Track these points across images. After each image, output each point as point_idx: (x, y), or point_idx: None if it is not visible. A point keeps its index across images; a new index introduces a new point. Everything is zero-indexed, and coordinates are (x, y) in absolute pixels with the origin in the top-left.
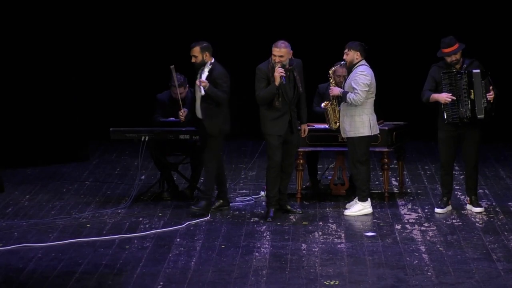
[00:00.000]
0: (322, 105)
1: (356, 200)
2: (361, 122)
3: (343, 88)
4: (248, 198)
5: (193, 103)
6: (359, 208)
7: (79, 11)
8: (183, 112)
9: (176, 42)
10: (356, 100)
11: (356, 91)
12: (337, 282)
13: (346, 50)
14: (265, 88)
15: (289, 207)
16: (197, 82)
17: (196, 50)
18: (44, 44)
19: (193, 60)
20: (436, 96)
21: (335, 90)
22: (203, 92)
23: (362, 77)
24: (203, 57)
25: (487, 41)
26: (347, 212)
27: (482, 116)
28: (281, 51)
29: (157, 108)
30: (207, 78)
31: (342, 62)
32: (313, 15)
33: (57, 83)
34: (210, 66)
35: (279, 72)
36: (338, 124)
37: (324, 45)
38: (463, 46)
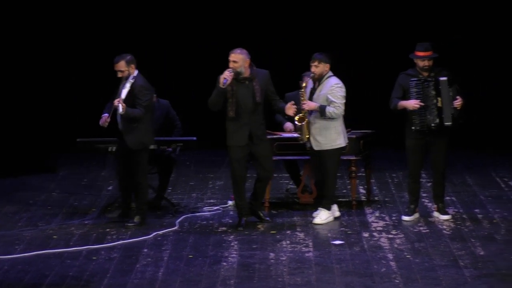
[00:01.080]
0: (296, 121)
1: (320, 208)
2: (337, 134)
3: (311, 101)
4: (216, 207)
5: (113, 115)
6: (326, 216)
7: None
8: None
9: (140, 53)
10: (338, 114)
11: (336, 105)
12: None
13: (315, 63)
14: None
15: (260, 214)
16: (115, 102)
17: (122, 65)
18: (7, 57)
19: (119, 75)
20: (404, 103)
21: (312, 104)
22: (120, 111)
23: (339, 90)
24: (129, 71)
25: (454, 51)
26: (316, 221)
27: (450, 123)
28: (235, 56)
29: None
30: (129, 92)
31: (310, 74)
32: (277, 24)
33: (23, 95)
34: (132, 80)
35: (224, 74)
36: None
37: (289, 55)
38: (436, 55)
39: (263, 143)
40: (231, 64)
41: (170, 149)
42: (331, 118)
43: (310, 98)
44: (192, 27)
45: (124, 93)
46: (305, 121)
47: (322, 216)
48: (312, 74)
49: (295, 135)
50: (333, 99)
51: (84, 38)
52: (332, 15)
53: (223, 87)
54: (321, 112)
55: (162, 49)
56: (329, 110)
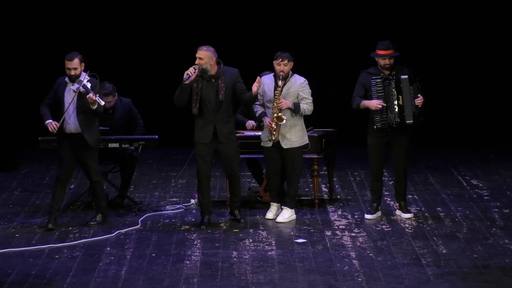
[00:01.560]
0: (267, 121)
1: (283, 207)
2: (303, 131)
3: (284, 98)
4: (179, 206)
5: (56, 115)
6: (289, 214)
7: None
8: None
9: (109, 51)
10: (310, 110)
11: (308, 101)
12: None
13: (285, 62)
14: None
15: (236, 213)
16: (94, 97)
17: (76, 62)
18: None
19: (72, 72)
20: (367, 103)
21: (288, 103)
22: (102, 103)
23: (308, 87)
24: (81, 68)
25: (415, 48)
26: (279, 219)
27: (411, 121)
28: (201, 53)
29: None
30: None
31: (280, 73)
32: (235, 22)
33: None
34: (88, 77)
35: (188, 70)
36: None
37: (248, 53)
38: (398, 54)
39: (229, 142)
40: (197, 61)
41: (132, 147)
42: (300, 116)
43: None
44: (194, 23)
45: (87, 89)
46: (283, 120)
47: (285, 215)
48: (281, 73)
49: (258, 133)
50: (305, 96)
51: (49, 37)
52: (298, 14)
53: (186, 83)
54: (296, 109)
55: (101, 55)
56: (304, 107)
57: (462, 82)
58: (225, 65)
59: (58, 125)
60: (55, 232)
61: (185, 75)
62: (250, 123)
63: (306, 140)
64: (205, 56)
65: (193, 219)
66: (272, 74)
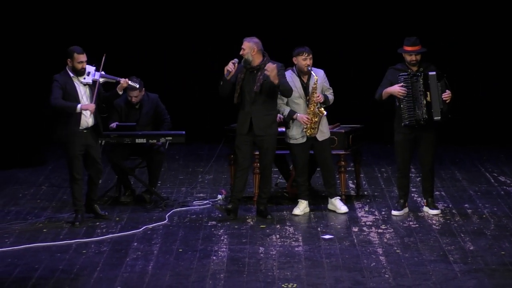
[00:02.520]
0: (304, 117)
1: (336, 198)
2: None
3: (308, 93)
4: (205, 201)
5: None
6: (341, 203)
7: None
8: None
9: (133, 48)
10: (332, 100)
11: (331, 92)
12: (295, 285)
13: (310, 55)
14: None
15: (261, 208)
16: (127, 80)
17: (85, 56)
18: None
19: (84, 65)
20: (389, 90)
21: (321, 96)
22: (137, 85)
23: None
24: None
25: (442, 45)
26: (343, 210)
27: (439, 118)
28: (244, 44)
29: (112, 113)
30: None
31: (308, 68)
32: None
33: (12, 88)
34: (100, 72)
35: (228, 66)
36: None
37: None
38: (425, 50)
39: (266, 136)
40: (242, 51)
41: (159, 143)
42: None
43: (307, 92)
44: (186, 24)
45: (111, 76)
46: (324, 113)
47: (341, 204)
48: (308, 67)
49: (284, 129)
50: (328, 86)
51: (76, 35)
52: (325, 12)
53: (228, 78)
54: (326, 101)
55: (157, 46)
56: (331, 97)
57: (450, 77)
58: (270, 59)
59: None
60: (83, 227)
61: (225, 71)
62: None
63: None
64: (247, 47)
65: (219, 215)
66: (290, 70)
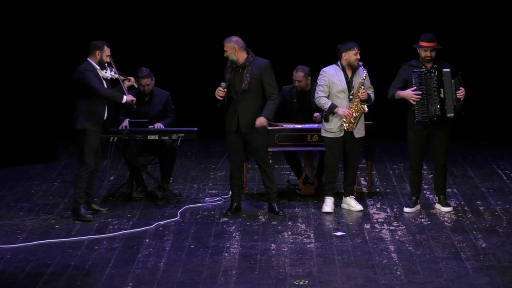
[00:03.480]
0: (346, 111)
1: (351, 196)
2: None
3: (352, 90)
4: (217, 198)
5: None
6: (356, 202)
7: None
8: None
9: (139, 42)
10: (373, 99)
11: (372, 90)
12: (307, 282)
13: (359, 51)
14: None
15: (273, 205)
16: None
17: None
18: (10, 45)
19: (109, 59)
20: (402, 94)
21: (365, 93)
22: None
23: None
24: None
25: (457, 42)
26: (358, 208)
27: (452, 115)
28: (225, 46)
29: (120, 107)
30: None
31: (360, 63)
32: (274, 19)
33: (24, 84)
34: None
35: (216, 94)
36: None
37: (285, 48)
38: (440, 47)
39: (254, 133)
40: (224, 53)
41: (169, 140)
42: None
43: (350, 87)
44: (194, 22)
45: (123, 75)
46: (365, 110)
47: (355, 203)
48: (361, 63)
49: (297, 126)
50: (370, 85)
51: (89, 30)
52: (337, 10)
53: (219, 106)
54: (369, 99)
55: (165, 44)
56: (372, 96)
57: (464, 74)
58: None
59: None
60: (95, 223)
61: (217, 98)
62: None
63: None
64: (228, 47)
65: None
66: (335, 65)
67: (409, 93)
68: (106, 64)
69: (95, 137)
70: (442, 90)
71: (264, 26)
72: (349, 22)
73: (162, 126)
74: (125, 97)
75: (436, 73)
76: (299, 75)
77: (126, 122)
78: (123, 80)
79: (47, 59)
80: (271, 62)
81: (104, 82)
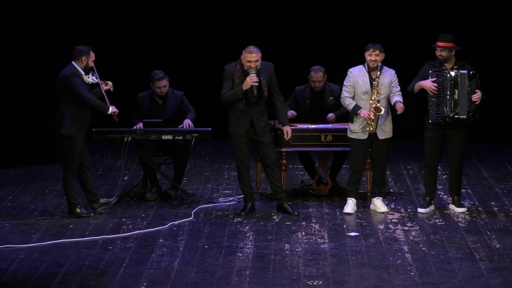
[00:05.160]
0: (365, 113)
1: (378, 198)
2: (392, 122)
3: (379, 90)
4: (231, 198)
5: (81, 107)
6: (381, 203)
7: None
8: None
9: (154, 43)
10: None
11: (400, 93)
12: (320, 282)
13: (376, 52)
14: (231, 89)
15: (285, 205)
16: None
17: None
18: (25, 46)
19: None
20: (422, 83)
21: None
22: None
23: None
24: None
25: (477, 44)
26: (383, 210)
27: (464, 117)
28: (257, 55)
29: (133, 109)
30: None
31: (379, 64)
32: (288, 18)
33: (39, 85)
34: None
35: (252, 79)
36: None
37: (298, 48)
38: (456, 48)
39: (266, 134)
40: (253, 64)
41: (182, 140)
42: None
43: (380, 88)
44: (207, 22)
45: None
46: (382, 111)
47: (381, 204)
48: (373, 63)
49: (311, 126)
50: (398, 87)
51: (101, 29)
52: (347, 9)
53: (251, 91)
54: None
55: (178, 44)
56: (401, 99)
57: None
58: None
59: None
60: (109, 223)
61: (250, 83)
62: (290, 113)
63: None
64: (259, 57)
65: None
66: (362, 66)
67: (428, 83)
68: (91, 68)
69: (80, 142)
70: (456, 91)
71: (276, 27)
72: (369, 22)
73: (191, 123)
74: (110, 108)
75: (453, 74)
76: (319, 75)
77: (140, 125)
78: (101, 84)
79: (60, 61)
80: (283, 64)
81: (87, 86)
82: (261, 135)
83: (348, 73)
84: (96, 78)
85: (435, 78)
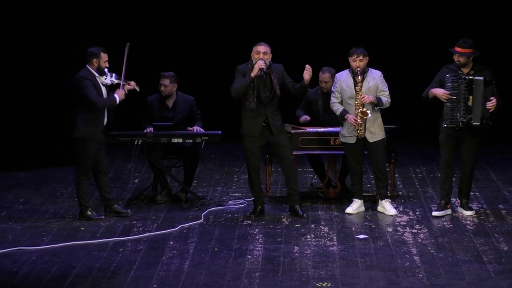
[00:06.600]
0: (352, 118)
1: (386, 200)
2: (382, 124)
3: (366, 93)
4: (241, 201)
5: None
6: (390, 206)
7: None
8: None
9: (166, 46)
10: (389, 102)
11: (387, 94)
12: (329, 284)
13: (360, 57)
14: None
15: (296, 207)
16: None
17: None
18: (35, 49)
19: (107, 64)
20: (435, 91)
21: (370, 97)
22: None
23: (384, 80)
24: None
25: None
26: (392, 212)
27: (478, 123)
28: (265, 48)
29: (143, 112)
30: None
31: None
32: (299, 21)
33: (49, 86)
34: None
35: (259, 64)
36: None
37: (308, 51)
38: (475, 54)
39: (282, 134)
40: (261, 55)
41: (192, 143)
42: (381, 108)
43: (362, 91)
44: (217, 25)
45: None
46: (368, 115)
47: (390, 207)
48: (357, 69)
49: (320, 129)
50: (385, 89)
51: (112, 33)
52: (354, 11)
53: (256, 74)
54: (379, 103)
55: (187, 47)
56: (384, 100)
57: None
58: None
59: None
60: (119, 226)
61: (258, 68)
62: (303, 117)
63: (384, 133)
64: (268, 51)
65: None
66: (347, 70)
67: (441, 92)
68: (105, 70)
69: (94, 144)
70: (471, 97)
71: (286, 30)
72: (380, 24)
73: (201, 129)
74: (117, 97)
75: (468, 80)
76: (326, 76)
77: (150, 129)
78: (123, 85)
79: (74, 63)
80: (290, 66)
81: (103, 88)
82: (277, 134)
83: (335, 78)
84: (116, 78)
85: (451, 84)
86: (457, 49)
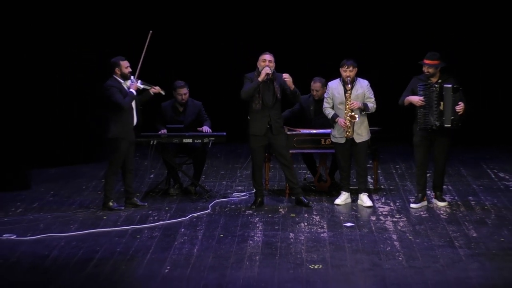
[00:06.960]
0: (342, 121)
1: (363, 193)
2: (368, 127)
3: (355, 100)
4: (243, 193)
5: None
6: (367, 198)
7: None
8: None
9: (186, 54)
10: (375, 108)
11: (373, 100)
12: (321, 266)
13: (350, 68)
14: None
15: (301, 198)
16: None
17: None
18: (64, 49)
19: (130, 69)
20: (410, 98)
21: (358, 103)
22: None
23: (371, 88)
24: None
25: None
26: (368, 204)
27: (449, 125)
28: (271, 57)
29: (157, 116)
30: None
31: (347, 78)
32: (295, 29)
33: (77, 87)
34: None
35: (266, 70)
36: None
37: (301, 59)
38: (442, 65)
39: (281, 134)
40: (267, 63)
41: (200, 143)
42: (367, 113)
43: (351, 97)
44: (223, 30)
45: (147, 83)
46: (356, 119)
47: (366, 199)
48: (348, 78)
49: (312, 131)
50: (371, 96)
51: (126, 36)
52: (342, 18)
53: (263, 79)
54: (366, 108)
55: (194, 52)
56: (371, 105)
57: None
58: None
59: None
60: (137, 215)
61: (264, 73)
62: (162, 131)
63: (369, 135)
64: (273, 60)
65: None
66: (338, 79)
67: (416, 99)
68: (129, 74)
69: (125, 144)
70: (442, 103)
71: (289, 40)
72: (366, 37)
73: (209, 129)
74: (133, 91)
75: (438, 88)
76: (317, 85)
77: (164, 131)
78: (149, 89)
79: (74, 63)
80: (291, 74)
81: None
82: (277, 134)
83: (327, 86)
84: (141, 84)
85: (422, 92)
86: (426, 61)
